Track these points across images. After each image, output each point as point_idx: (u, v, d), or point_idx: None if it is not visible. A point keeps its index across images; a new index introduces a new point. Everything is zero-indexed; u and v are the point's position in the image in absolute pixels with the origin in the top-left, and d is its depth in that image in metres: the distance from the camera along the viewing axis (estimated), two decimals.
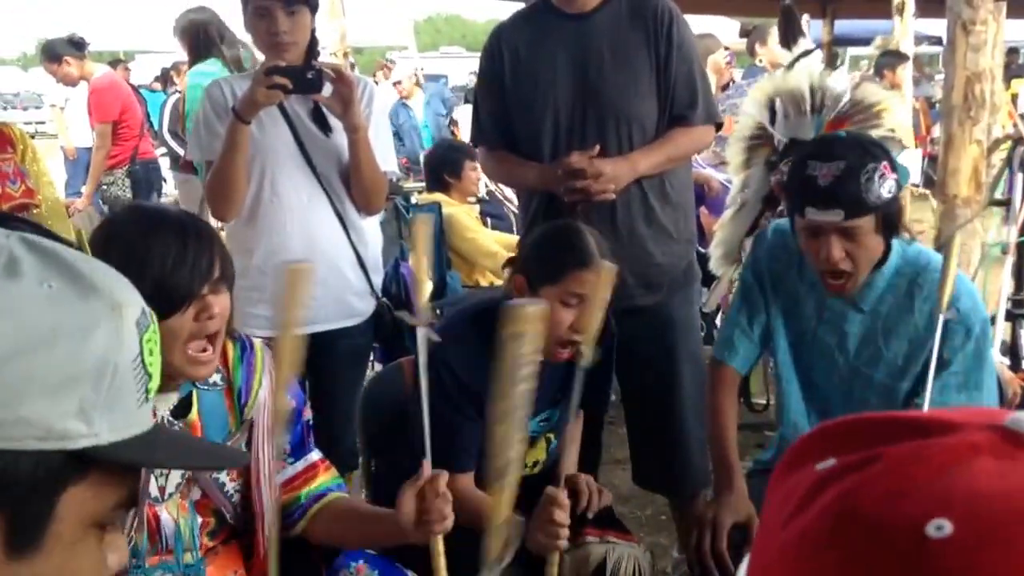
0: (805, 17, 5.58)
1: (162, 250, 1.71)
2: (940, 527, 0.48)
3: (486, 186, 5.37)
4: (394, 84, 11.40)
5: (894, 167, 2.14)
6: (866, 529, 0.51)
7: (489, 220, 5.31)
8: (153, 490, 1.84)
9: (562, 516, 2.07)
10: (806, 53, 3.34)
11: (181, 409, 1.88)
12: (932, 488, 0.51)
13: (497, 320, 2.25)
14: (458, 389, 2.26)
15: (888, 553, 0.50)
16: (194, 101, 5.13)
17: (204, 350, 1.77)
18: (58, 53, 6.40)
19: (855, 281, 2.22)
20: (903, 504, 0.51)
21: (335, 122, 2.79)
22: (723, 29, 9.78)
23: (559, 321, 2.22)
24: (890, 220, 2.16)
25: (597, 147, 2.67)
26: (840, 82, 3.16)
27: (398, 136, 9.35)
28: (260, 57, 3.18)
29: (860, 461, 0.54)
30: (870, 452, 0.54)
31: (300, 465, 2.02)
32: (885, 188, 2.09)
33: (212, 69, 5.16)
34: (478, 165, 4.33)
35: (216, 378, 1.93)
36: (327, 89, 2.72)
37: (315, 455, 2.06)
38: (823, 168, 2.09)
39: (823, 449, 0.57)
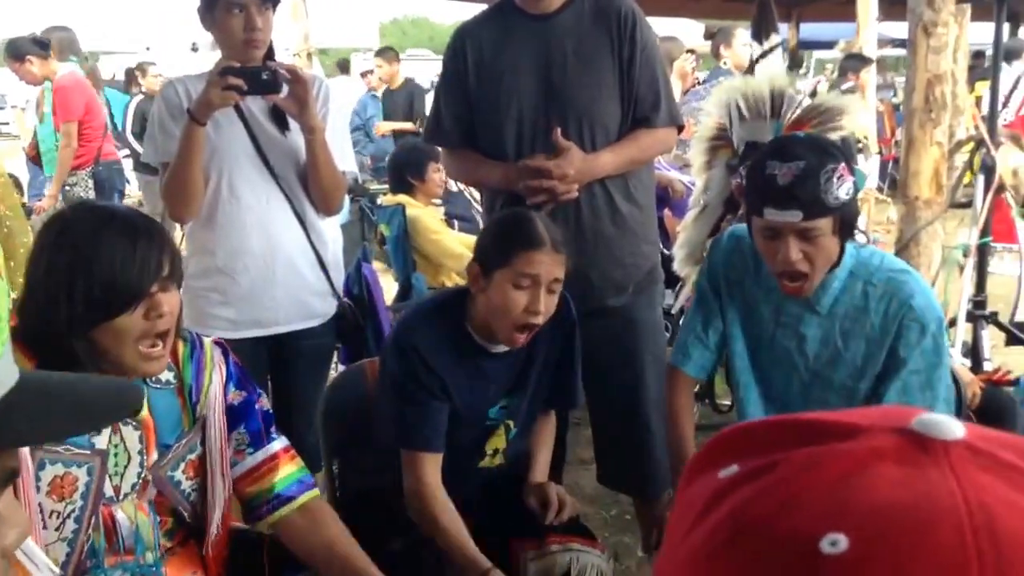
0: None
1: (111, 249, 1.72)
2: (835, 542, 0.46)
3: (456, 186, 5.34)
4: (362, 75, 11.29)
5: (852, 170, 2.14)
6: (760, 543, 0.48)
7: (456, 222, 5.30)
8: (108, 490, 1.83)
9: None
10: (766, 54, 3.36)
11: None
12: (827, 500, 0.48)
13: (459, 309, 2.28)
14: (426, 372, 2.29)
15: (781, 569, 0.47)
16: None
17: (154, 346, 1.77)
18: (22, 52, 6.33)
19: (812, 283, 2.22)
20: (797, 517, 0.48)
21: (293, 121, 2.77)
22: (687, 32, 9.79)
23: (513, 304, 2.24)
24: (847, 222, 2.16)
25: (559, 129, 2.66)
26: (801, 86, 3.17)
27: (365, 131, 9.21)
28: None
29: (758, 469, 0.51)
30: (768, 459, 0.51)
31: (260, 456, 2.01)
32: (843, 190, 2.08)
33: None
34: (442, 167, 4.32)
35: (168, 376, 1.92)
36: (284, 90, 2.69)
37: (277, 445, 2.04)
38: (782, 168, 2.08)
39: (727, 455, 0.54)
